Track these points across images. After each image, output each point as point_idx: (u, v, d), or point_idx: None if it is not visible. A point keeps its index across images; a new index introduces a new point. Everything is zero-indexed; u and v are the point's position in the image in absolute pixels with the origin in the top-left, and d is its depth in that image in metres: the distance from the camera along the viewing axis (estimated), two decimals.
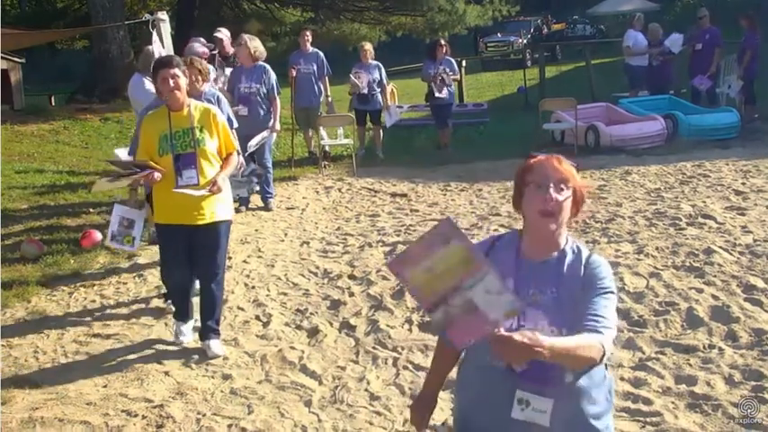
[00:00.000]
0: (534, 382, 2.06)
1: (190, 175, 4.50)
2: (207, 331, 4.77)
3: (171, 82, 4.47)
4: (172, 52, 7.32)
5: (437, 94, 11.27)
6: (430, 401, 2.42)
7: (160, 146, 4.54)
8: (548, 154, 2.20)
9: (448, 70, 11.36)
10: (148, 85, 6.58)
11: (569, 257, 2.17)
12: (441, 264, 1.87)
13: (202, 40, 8.16)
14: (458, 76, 11.79)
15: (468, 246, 1.88)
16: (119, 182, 4.85)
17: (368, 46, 11.31)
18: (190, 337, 4.90)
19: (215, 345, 4.75)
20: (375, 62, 11.15)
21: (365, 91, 10.92)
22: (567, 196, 2.12)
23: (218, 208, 4.64)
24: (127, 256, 6.64)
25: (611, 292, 2.12)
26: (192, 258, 4.74)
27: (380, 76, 11.11)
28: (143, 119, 4.91)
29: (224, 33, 9.10)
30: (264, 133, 8.18)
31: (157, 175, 4.46)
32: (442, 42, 11.68)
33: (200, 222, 4.58)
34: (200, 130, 4.56)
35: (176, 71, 4.51)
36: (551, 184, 2.11)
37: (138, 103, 6.66)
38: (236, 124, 6.27)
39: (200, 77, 5.58)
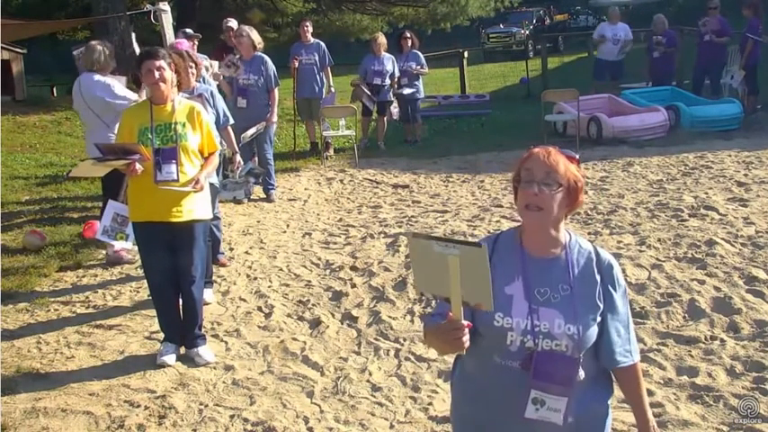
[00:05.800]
0: (549, 381, 2.04)
1: (169, 170, 4.33)
2: (192, 339, 4.60)
3: (156, 74, 4.33)
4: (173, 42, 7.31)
5: (405, 91, 11.20)
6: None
7: (139, 139, 4.37)
8: (543, 146, 2.16)
9: (414, 65, 11.26)
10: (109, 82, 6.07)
11: (576, 255, 2.15)
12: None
13: (189, 31, 8.01)
14: (426, 70, 11.63)
15: None
16: (101, 166, 4.58)
17: (382, 38, 11.07)
18: (172, 361, 4.54)
19: (204, 351, 4.59)
20: (388, 55, 11.02)
21: (369, 105, 10.93)
22: (554, 190, 2.07)
23: (197, 206, 4.47)
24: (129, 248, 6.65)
25: (625, 293, 2.21)
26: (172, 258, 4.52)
27: (393, 68, 11.01)
28: (124, 111, 4.74)
29: (234, 23, 9.13)
30: (259, 125, 8.10)
31: (138, 166, 4.26)
32: (407, 35, 11.51)
33: (177, 220, 4.39)
34: (183, 126, 4.41)
35: (162, 63, 4.36)
36: (537, 179, 2.08)
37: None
38: (231, 120, 6.22)
39: (195, 71, 5.54)
